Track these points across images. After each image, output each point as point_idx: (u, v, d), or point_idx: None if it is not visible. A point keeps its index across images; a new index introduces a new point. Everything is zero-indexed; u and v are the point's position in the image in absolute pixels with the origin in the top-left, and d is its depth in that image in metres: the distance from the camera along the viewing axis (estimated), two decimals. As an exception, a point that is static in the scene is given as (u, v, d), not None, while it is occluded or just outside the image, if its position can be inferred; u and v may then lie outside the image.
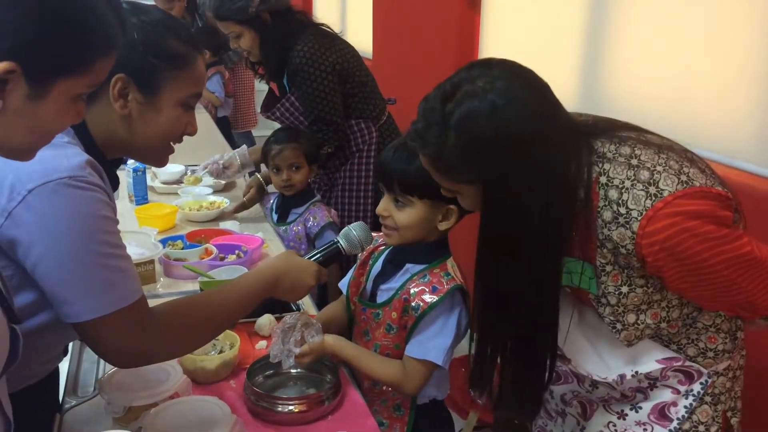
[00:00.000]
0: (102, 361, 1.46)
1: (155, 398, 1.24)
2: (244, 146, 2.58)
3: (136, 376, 1.29)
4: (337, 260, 1.46)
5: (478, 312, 1.22)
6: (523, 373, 1.21)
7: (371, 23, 4.15)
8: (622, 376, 1.18)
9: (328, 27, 2.43)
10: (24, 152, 0.83)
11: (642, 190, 1.06)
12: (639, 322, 1.15)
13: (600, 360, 1.20)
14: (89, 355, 1.49)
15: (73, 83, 0.79)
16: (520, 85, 1.09)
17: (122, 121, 1.15)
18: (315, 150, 2.27)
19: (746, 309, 1.15)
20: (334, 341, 1.41)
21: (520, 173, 1.07)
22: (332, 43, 2.36)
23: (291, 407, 1.30)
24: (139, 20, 1.14)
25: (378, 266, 1.52)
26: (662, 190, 1.06)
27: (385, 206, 1.42)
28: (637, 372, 1.18)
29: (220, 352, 1.44)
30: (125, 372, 1.30)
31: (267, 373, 1.43)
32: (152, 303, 1.72)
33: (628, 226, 1.07)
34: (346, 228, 1.44)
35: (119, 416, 1.24)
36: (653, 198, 1.06)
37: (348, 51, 2.41)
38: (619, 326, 1.15)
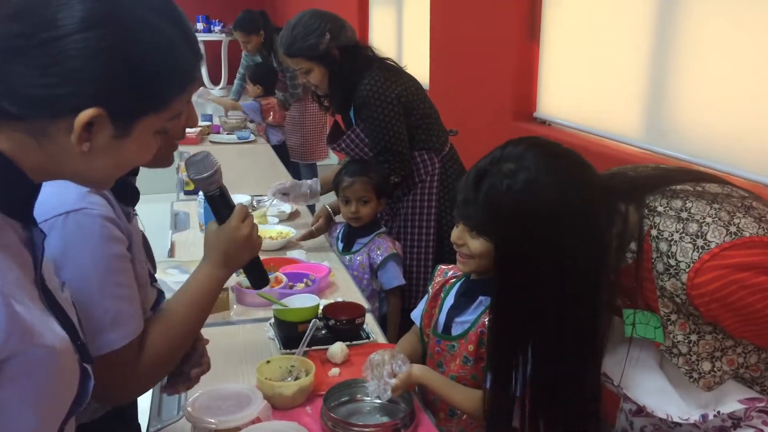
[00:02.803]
0: (184, 386, 1.51)
1: (238, 422, 1.29)
2: (318, 180, 2.65)
3: (220, 401, 1.34)
4: (224, 195, 1.23)
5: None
6: None
7: (428, 54, 4.23)
8: (704, 416, 1.17)
9: (393, 61, 2.50)
10: (103, 184, 0.86)
11: (690, 242, 1.09)
12: (715, 369, 1.15)
13: (681, 401, 1.20)
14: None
15: (154, 120, 0.82)
16: (547, 171, 1.15)
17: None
18: (385, 184, 2.33)
19: None
20: (420, 372, 1.44)
21: (534, 252, 1.15)
22: (397, 76, 2.42)
23: (367, 434, 1.33)
24: None
25: (450, 299, 1.55)
26: (709, 242, 1.08)
27: (459, 234, 1.45)
28: (719, 412, 1.17)
29: (296, 378, 1.49)
30: (209, 396, 1.36)
31: (342, 399, 1.46)
32: (224, 330, 1.78)
33: (678, 277, 1.09)
34: (193, 179, 1.23)
35: (204, 439, 1.28)
36: (700, 250, 1.08)
37: (412, 84, 2.47)
38: (695, 375, 1.16)
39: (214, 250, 1.18)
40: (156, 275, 1.29)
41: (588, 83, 2.82)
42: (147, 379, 1.12)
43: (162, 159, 1.17)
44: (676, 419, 1.20)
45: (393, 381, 1.39)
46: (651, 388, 1.22)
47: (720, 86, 2.15)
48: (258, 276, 1.28)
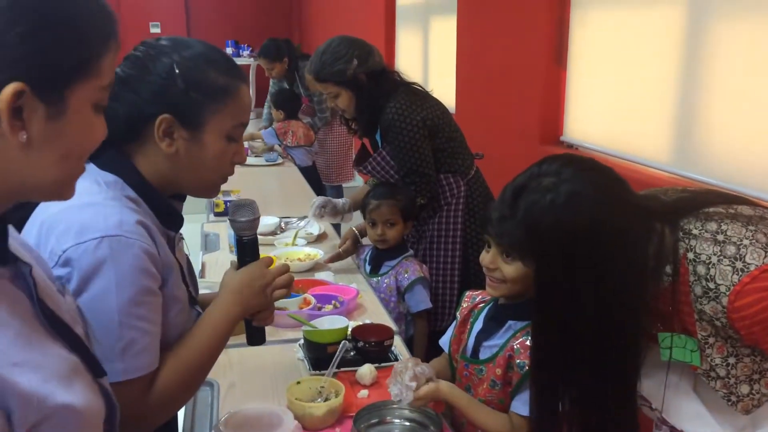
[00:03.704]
0: (216, 405, 1.54)
1: (270, 442, 1.30)
2: (347, 200, 2.69)
3: (252, 420, 1.36)
4: (255, 243, 1.30)
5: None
6: None
7: (454, 78, 4.26)
8: None
9: (419, 85, 2.54)
10: (62, 186, 0.76)
11: (729, 265, 1.09)
12: (754, 392, 1.15)
13: (717, 426, 1.19)
14: (203, 397, 1.58)
15: (86, 89, 0.73)
16: (586, 186, 1.15)
17: (169, 160, 1.14)
18: (411, 207, 2.35)
19: None
20: (448, 388, 1.46)
21: (575, 267, 1.15)
22: (422, 100, 2.46)
23: (397, 456, 1.34)
24: (180, 56, 1.12)
25: (479, 324, 1.56)
26: (749, 264, 1.08)
27: (491, 259, 1.46)
28: None
29: (326, 399, 1.50)
30: (241, 416, 1.38)
31: (372, 421, 1.47)
32: (255, 350, 1.80)
33: (718, 300, 1.09)
34: (232, 222, 1.29)
35: (236, 458, 1.30)
36: (740, 273, 1.08)
37: (438, 108, 2.50)
38: (733, 398, 1.15)
39: (231, 291, 1.20)
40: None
41: (615, 107, 2.82)
42: (156, 415, 1.11)
43: (210, 188, 1.22)
44: None
45: (414, 384, 1.39)
46: (687, 412, 1.22)
47: (750, 110, 2.14)
48: (256, 335, 1.31)
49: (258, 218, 1.27)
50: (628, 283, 1.15)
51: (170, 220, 1.19)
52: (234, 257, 1.29)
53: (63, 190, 0.76)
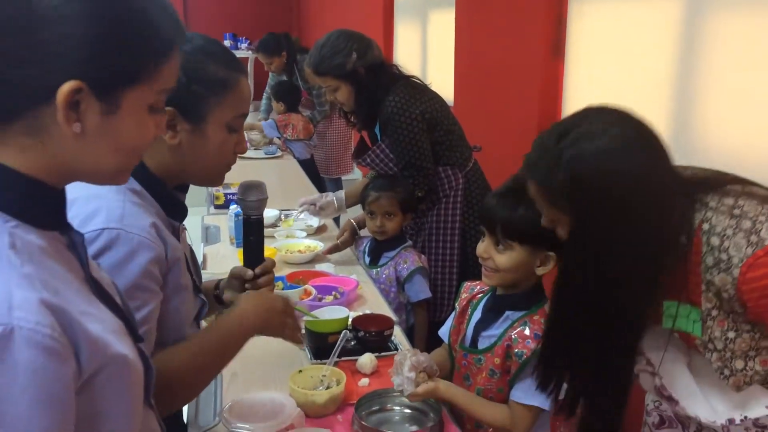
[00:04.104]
0: (219, 394, 1.56)
1: (274, 428, 1.33)
2: (342, 192, 2.71)
3: (255, 408, 1.39)
4: (261, 224, 1.37)
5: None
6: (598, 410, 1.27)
7: (453, 71, 4.28)
8: (730, 420, 1.19)
9: (418, 79, 2.56)
10: (116, 174, 0.84)
11: (743, 238, 1.11)
12: (747, 368, 1.17)
13: (707, 404, 1.22)
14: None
15: (141, 92, 0.80)
16: (633, 135, 1.16)
17: (173, 151, 1.18)
18: (410, 199, 2.38)
19: None
20: (446, 388, 1.48)
21: (613, 219, 1.14)
22: (421, 93, 2.48)
23: (397, 442, 1.37)
24: (181, 50, 1.19)
25: (478, 314, 1.59)
26: (763, 239, 1.10)
27: (485, 248, 1.49)
28: (746, 417, 1.19)
29: (328, 387, 1.53)
30: (244, 403, 1.41)
31: (373, 408, 1.50)
32: (257, 340, 1.82)
33: (729, 272, 1.11)
34: (240, 201, 1.38)
35: (240, 444, 1.33)
36: (754, 246, 1.10)
37: (436, 101, 2.52)
38: (726, 372, 1.17)
39: (250, 309, 1.23)
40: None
41: (613, 100, 2.84)
42: (167, 402, 1.12)
43: (215, 177, 1.25)
44: (703, 421, 1.22)
45: (413, 375, 1.41)
46: (682, 387, 1.25)
47: (747, 104, 2.16)
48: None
49: (266, 198, 1.33)
50: (654, 244, 1.15)
51: (174, 211, 1.22)
52: (233, 253, 1.32)
53: (117, 178, 0.85)
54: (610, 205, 1.14)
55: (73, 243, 0.83)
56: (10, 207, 0.75)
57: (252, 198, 1.31)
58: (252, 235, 1.31)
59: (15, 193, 0.76)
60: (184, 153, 1.19)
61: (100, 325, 0.76)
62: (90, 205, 1.09)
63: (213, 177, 1.25)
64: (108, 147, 0.79)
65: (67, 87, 0.73)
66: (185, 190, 1.29)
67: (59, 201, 0.82)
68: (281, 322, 1.28)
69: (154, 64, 0.80)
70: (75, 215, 1.05)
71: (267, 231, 2.78)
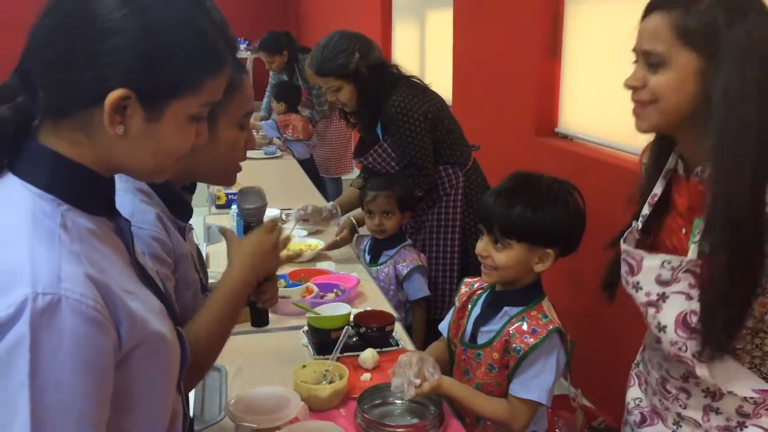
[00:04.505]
0: (224, 389, 1.60)
1: (278, 422, 1.36)
2: (334, 203, 2.72)
3: (260, 401, 1.42)
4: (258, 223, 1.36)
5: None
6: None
7: (451, 71, 4.31)
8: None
9: (419, 79, 2.59)
10: (155, 174, 0.90)
11: None
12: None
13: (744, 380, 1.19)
14: (212, 382, 1.64)
15: (185, 104, 0.84)
16: None
17: (187, 153, 1.22)
18: (408, 198, 2.41)
19: None
20: (449, 384, 1.50)
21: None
22: (423, 93, 2.51)
23: (399, 434, 1.40)
24: None
25: (477, 309, 1.62)
26: None
27: (484, 247, 1.52)
28: (731, 392, 1.18)
29: (331, 382, 1.56)
30: (250, 399, 1.44)
31: (375, 402, 1.53)
32: (262, 337, 1.86)
33: None
34: (240, 209, 1.38)
35: (246, 438, 1.36)
36: None
37: (437, 101, 2.56)
38: None
39: (242, 257, 1.23)
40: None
41: (608, 98, 2.88)
42: (194, 375, 1.15)
43: (229, 175, 1.29)
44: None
45: (418, 381, 1.43)
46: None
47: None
48: (260, 316, 1.36)
49: (265, 205, 1.34)
50: None
51: (180, 211, 1.26)
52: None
53: (155, 176, 0.91)
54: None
55: (121, 229, 0.89)
56: (64, 191, 0.81)
57: (249, 205, 1.33)
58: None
59: (68, 179, 0.82)
60: (198, 153, 1.18)
61: (142, 304, 0.82)
62: None
63: (226, 175, 1.29)
64: (147, 150, 0.84)
65: (115, 94, 0.78)
66: (192, 191, 1.33)
67: (108, 188, 0.88)
68: (275, 261, 1.28)
69: (201, 79, 0.84)
70: None
71: (268, 230, 2.83)
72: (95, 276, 0.76)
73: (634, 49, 1.20)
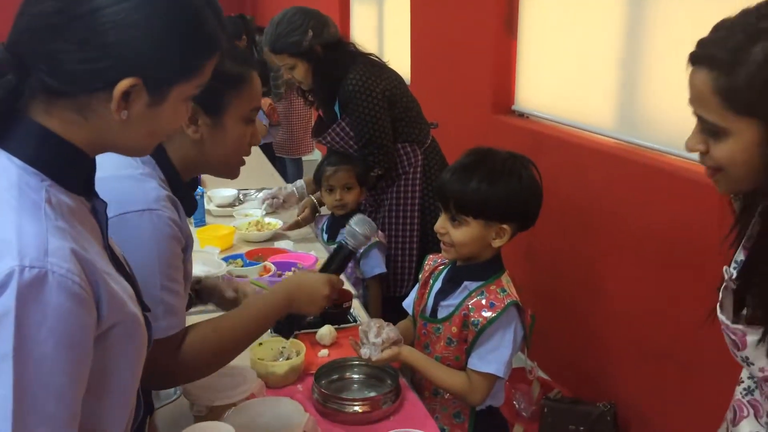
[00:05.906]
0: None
1: (234, 398, 1.36)
2: (301, 180, 2.73)
3: (216, 380, 1.41)
4: (350, 260, 1.50)
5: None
6: None
7: (409, 49, 4.31)
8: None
9: (376, 57, 2.57)
10: (142, 151, 0.92)
11: None
12: None
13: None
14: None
15: (186, 87, 0.87)
16: None
17: (195, 144, 1.25)
18: (365, 173, 2.42)
19: None
20: (408, 353, 1.52)
21: None
22: (381, 71, 2.49)
23: (356, 407, 1.42)
24: None
25: (438, 284, 1.63)
26: None
27: (442, 224, 1.53)
28: None
29: (288, 358, 1.56)
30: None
31: (332, 377, 1.54)
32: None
33: None
34: (348, 227, 1.48)
35: (202, 415, 1.36)
36: None
37: (395, 78, 2.55)
38: None
39: (288, 290, 1.32)
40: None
41: (564, 77, 2.91)
42: (182, 374, 1.22)
43: (233, 168, 1.32)
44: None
45: (379, 340, 1.46)
46: None
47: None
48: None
49: (369, 240, 1.46)
50: None
51: (186, 204, 1.29)
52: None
53: (141, 153, 0.93)
54: None
55: (96, 210, 0.89)
56: (48, 167, 0.81)
57: (361, 231, 1.44)
58: (339, 263, 1.43)
59: (54, 155, 0.82)
60: (205, 146, 1.25)
61: (118, 286, 0.83)
62: (124, 184, 1.16)
63: (231, 168, 1.32)
64: (145, 131, 0.87)
65: (125, 83, 0.80)
66: (195, 187, 1.37)
67: (89, 168, 0.88)
68: (314, 310, 1.37)
69: (203, 62, 0.87)
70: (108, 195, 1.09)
71: (225, 210, 2.80)
72: (80, 252, 0.77)
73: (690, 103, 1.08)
